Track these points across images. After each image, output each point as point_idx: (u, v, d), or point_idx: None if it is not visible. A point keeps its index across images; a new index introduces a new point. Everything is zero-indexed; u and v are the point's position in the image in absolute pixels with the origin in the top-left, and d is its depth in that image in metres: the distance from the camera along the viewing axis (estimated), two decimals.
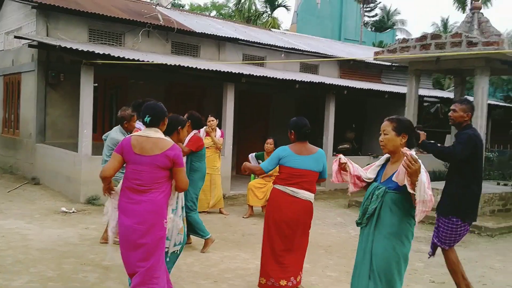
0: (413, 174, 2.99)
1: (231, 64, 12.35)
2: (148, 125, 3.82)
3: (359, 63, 15.67)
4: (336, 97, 12.31)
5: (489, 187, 9.90)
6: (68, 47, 8.59)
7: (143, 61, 9.08)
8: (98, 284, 4.80)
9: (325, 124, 12.31)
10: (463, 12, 29.20)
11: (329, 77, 14.47)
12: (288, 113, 14.56)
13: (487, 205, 9.06)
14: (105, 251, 5.86)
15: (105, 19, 11.14)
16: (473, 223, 8.62)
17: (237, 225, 7.93)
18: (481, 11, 9.96)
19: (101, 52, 8.65)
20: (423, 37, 9.46)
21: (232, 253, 6.20)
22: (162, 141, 3.77)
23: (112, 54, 8.79)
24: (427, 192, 3.02)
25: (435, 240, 5.00)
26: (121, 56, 8.88)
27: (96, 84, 10.20)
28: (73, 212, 8.01)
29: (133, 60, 8.93)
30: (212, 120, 8.69)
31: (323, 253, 6.50)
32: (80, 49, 8.50)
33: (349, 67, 15.96)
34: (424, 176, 3.03)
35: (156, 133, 3.80)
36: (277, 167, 4.88)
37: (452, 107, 5.04)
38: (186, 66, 9.55)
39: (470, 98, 13.40)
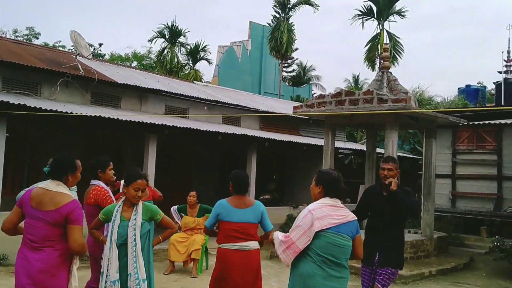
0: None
1: (153, 115, 12.30)
2: (49, 176, 3.64)
3: (279, 116, 16.22)
4: (257, 149, 12.61)
5: None
6: None
7: (60, 112, 8.80)
8: None
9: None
10: (373, 70, 31.37)
11: (251, 129, 14.82)
12: (211, 165, 14.67)
13: None
14: None
15: (21, 68, 10.76)
16: None
17: (157, 282, 7.60)
18: (389, 70, 10.81)
19: (15, 102, 8.30)
20: (338, 93, 10.04)
21: None
22: (59, 195, 3.52)
23: (27, 105, 8.45)
24: (277, 237, 3.67)
25: (379, 285, 5.02)
26: (37, 107, 8.56)
27: (8, 135, 9.71)
28: None
29: (50, 111, 8.63)
30: None
31: None
32: None
33: (269, 120, 16.46)
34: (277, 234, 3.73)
35: (58, 187, 3.57)
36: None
37: (387, 166, 5.11)
38: (107, 117, 9.37)
39: (381, 151, 14.28)
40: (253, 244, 4.77)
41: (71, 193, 3.65)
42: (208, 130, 11.11)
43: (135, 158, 11.69)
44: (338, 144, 15.56)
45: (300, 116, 15.04)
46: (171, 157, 13.46)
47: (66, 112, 8.92)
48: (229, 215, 4.73)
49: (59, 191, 3.55)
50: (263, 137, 12.49)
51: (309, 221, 3.47)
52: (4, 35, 26.53)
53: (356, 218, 3.68)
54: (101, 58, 24.86)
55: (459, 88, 28.87)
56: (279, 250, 3.56)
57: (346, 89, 13.60)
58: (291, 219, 13.18)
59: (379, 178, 5.30)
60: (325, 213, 3.49)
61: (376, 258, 5.04)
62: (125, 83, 12.63)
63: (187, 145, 13.80)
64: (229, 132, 11.53)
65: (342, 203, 3.74)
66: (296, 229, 3.50)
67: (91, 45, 17.74)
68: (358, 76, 38.47)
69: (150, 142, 10.44)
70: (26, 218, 3.57)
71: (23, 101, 8.76)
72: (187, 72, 33.48)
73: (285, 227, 13.03)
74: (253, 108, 15.82)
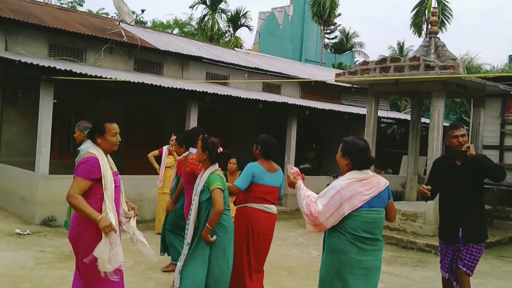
0: (289, 185, 3.58)
1: (194, 82, 12.33)
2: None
3: (320, 84, 15.98)
4: (297, 117, 12.49)
5: None
6: (29, 62, 8.36)
7: (105, 78, 8.94)
8: None
9: (287, 144, 12.43)
10: (419, 37, 30.31)
11: (291, 97, 14.67)
12: (249, 132, 14.65)
13: None
14: (62, 275, 5.67)
15: (67, 34, 10.94)
16: (430, 243, 8.77)
17: None
18: (437, 36, 10.36)
19: (62, 68, 8.46)
20: (383, 60, 9.73)
21: None
22: (85, 155, 3.80)
23: (73, 71, 8.61)
24: (302, 204, 3.42)
25: (464, 269, 4.63)
26: (82, 73, 8.71)
27: (55, 101, 9.99)
28: (27, 234, 7.71)
29: (95, 76, 8.77)
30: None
31: (285, 274, 6.48)
32: (40, 65, 8.29)
33: (310, 88, 16.24)
34: (300, 192, 3.49)
35: (90, 148, 3.82)
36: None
37: (461, 132, 4.64)
38: (150, 84, 9.45)
39: (426, 120, 13.87)
40: (275, 209, 4.94)
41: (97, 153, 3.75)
42: (248, 97, 11.06)
43: (177, 125, 11.82)
44: (381, 113, 15.23)
45: (342, 84, 14.76)
46: (210, 124, 13.50)
47: (111, 78, 9.04)
48: (262, 178, 4.80)
49: (87, 151, 3.83)
50: (304, 105, 12.32)
51: (337, 203, 3.31)
52: (49, 2, 27.01)
53: (388, 184, 3.49)
54: (143, 25, 25.01)
55: (510, 56, 27.54)
56: (303, 212, 3.43)
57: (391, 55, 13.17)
58: None
59: (449, 149, 4.84)
60: (355, 190, 3.32)
61: (460, 234, 4.62)
62: (167, 49, 12.68)
63: (226, 113, 13.83)
64: (269, 100, 11.44)
65: (383, 173, 3.54)
66: (324, 211, 3.32)
67: (133, 12, 17.84)
68: (403, 43, 37.26)
69: (191, 109, 10.49)
70: None
71: (70, 67, 8.93)
72: (228, 39, 33.33)
73: None
74: (294, 76, 15.62)
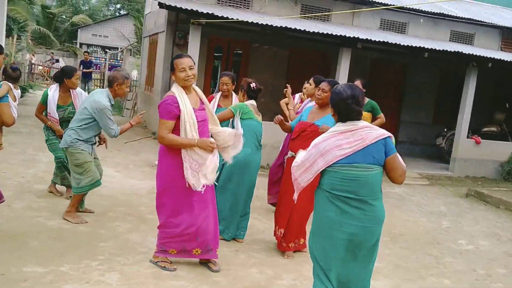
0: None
1: (366, 30, 11.46)
2: None
3: None
4: (488, 72, 10.70)
5: None
6: (178, 6, 8.79)
7: (246, 21, 8.88)
8: (123, 233, 4.91)
9: (462, 101, 10.81)
10: None
11: (485, 49, 12.53)
12: (427, 88, 13.15)
13: None
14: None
15: None
16: None
17: None
18: None
19: (204, 11, 8.69)
20: None
21: None
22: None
23: (215, 14, 8.73)
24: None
25: None
26: (224, 16, 8.78)
27: (219, 46, 10.37)
28: None
29: (237, 20, 8.80)
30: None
31: (386, 241, 5.69)
32: (184, 8, 8.66)
33: None
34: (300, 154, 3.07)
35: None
36: None
37: None
38: (293, 28, 9.09)
39: None
40: None
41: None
42: (411, 45, 9.80)
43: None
44: None
45: None
46: (381, 75, 12.52)
47: (252, 21, 8.92)
48: None
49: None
50: (487, 56, 10.33)
51: (312, 158, 2.93)
52: None
53: (386, 136, 2.87)
54: None
55: None
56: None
57: None
58: None
59: None
60: (333, 144, 2.87)
61: None
62: None
63: (401, 64, 12.63)
64: (436, 48, 9.92)
65: None
66: (299, 166, 2.99)
67: None
68: None
69: (344, 56, 9.83)
70: None
71: (228, 13, 9.12)
72: None
73: (506, 165, 11.07)
74: (492, 24, 13.30)
